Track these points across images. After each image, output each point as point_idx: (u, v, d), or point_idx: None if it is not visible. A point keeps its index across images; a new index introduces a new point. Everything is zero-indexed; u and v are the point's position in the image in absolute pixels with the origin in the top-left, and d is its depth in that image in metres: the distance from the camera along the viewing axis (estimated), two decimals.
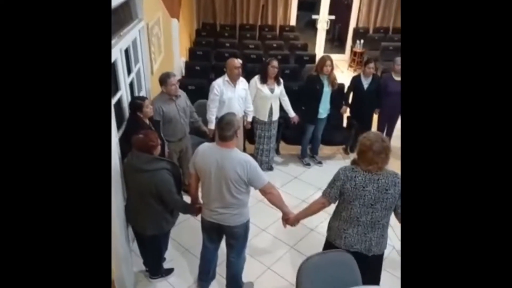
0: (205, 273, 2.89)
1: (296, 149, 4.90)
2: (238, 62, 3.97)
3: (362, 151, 2.17)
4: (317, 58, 5.08)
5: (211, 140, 3.77)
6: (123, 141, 2.85)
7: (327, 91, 4.32)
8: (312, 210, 2.48)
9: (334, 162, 4.90)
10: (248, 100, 4.15)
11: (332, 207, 2.43)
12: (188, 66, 5.88)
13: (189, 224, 3.45)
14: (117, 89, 3.09)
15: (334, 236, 2.36)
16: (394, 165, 2.26)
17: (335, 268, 2.22)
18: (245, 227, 2.63)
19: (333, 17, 8.61)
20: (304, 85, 4.58)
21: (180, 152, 3.75)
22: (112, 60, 2.78)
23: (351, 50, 8.59)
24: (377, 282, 2.44)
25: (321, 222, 3.62)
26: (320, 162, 4.84)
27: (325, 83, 4.29)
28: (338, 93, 4.66)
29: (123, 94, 3.23)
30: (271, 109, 4.26)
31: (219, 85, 3.95)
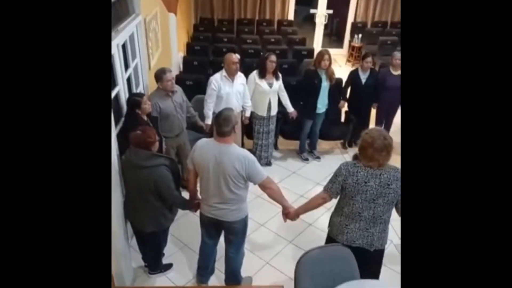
0: (204, 268, 2.90)
1: (294, 144, 4.90)
2: (236, 57, 3.96)
3: (363, 147, 2.17)
4: (315, 52, 5.07)
5: (209, 135, 3.77)
6: (121, 137, 2.84)
7: (325, 85, 4.31)
8: (312, 205, 2.47)
9: (332, 157, 4.91)
10: (246, 95, 4.14)
11: (330, 202, 2.43)
12: (186, 61, 5.86)
13: (188, 220, 3.46)
14: (114, 84, 3.08)
15: (336, 232, 2.36)
16: (393, 160, 2.26)
17: (333, 262, 2.23)
18: (244, 222, 2.64)
19: (331, 11, 8.58)
20: (302, 80, 4.56)
21: (178, 147, 3.74)
22: None
23: (349, 45, 8.58)
24: (377, 276, 2.46)
25: (319, 216, 3.64)
26: (318, 157, 4.85)
27: (323, 77, 4.28)
28: (336, 88, 4.65)
29: (121, 90, 3.22)
30: (269, 104, 4.25)
31: (217, 80, 3.94)
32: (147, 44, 3.94)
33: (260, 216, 3.68)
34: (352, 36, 8.41)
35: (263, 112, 4.28)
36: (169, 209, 2.70)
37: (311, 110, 4.41)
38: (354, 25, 8.60)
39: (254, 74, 4.19)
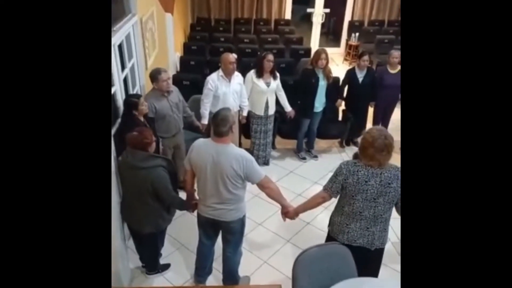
0: (202, 268, 2.90)
1: (292, 143, 4.91)
2: (233, 57, 3.95)
3: (364, 147, 2.17)
4: (313, 51, 5.07)
5: (206, 135, 3.77)
6: (117, 138, 2.84)
7: (322, 84, 4.31)
8: (312, 204, 2.47)
9: (330, 156, 4.92)
10: (243, 95, 4.14)
11: (329, 201, 2.43)
12: (183, 61, 5.85)
13: (185, 220, 3.45)
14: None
15: (337, 231, 2.36)
16: (392, 158, 2.25)
17: (331, 261, 2.24)
18: (242, 222, 2.64)
19: (328, 10, 8.58)
20: (299, 79, 4.56)
21: (175, 147, 3.74)
22: None
23: (346, 43, 8.58)
24: (376, 275, 2.46)
25: (317, 215, 3.65)
26: (316, 156, 4.85)
27: (321, 76, 4.28)
28: (334, 87, 4.66)
29: (117, 90, 3.21)
30: (267, 103, 4.25)
31: (214, 80, 3.93)
32: (144, 44, 3.93)
33: (258, 215, 3.68)
34: (349, 35, 8.41)
35: (260, 112, 4.27)
36: (166, 210, 2.70)
37: (309, 109, 4.42)
38: (351, 23, 8.60)
39: (252, 73, 4.19)
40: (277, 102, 4.40)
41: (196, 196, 2.67)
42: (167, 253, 3.23)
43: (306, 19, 8.87)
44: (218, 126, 2.37)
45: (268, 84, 4.17)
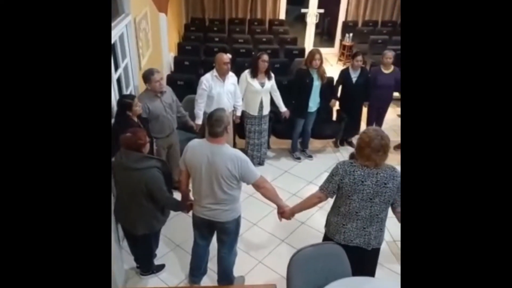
0: (197, 269, 2.89)
1: (286, 143, 4.91)
2: (227, 57, 3.95)
3: (360, 147, 2.18)
4: (307, 52, 5.08)
5: (200, 135, 3.76)
6: (111, 139, 2.82)
7: (316, 85, 4.33)
8: (308, 204, 2.47)
9: (324, 156, 4.93)
10: (237, 95, 4.14)
11: (324, 201, 2.44)
12: (177, 61, 5.83)
13: (180, 220, 3.44)
14: None
15: (333, 232, 2.36)
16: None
17: (326, 260, 2.24)
18: (237, 222, 2.64)
19: (322, 10, 8.61)
20: (293, 79, 4.57)
21: (169, 148, 3.73)
22: None
23: (340, 44, 8.61)
24: (373, 274, 2.47)
25: (312, 214, 3.66)
26: (310, 156, 4.86)
27: (315, 77, 4.29)
28: (328, 87, 4.67)
29: (111, 90, 3.19)
30: (261, 103, 4.25)
31: (208, 80, 3.93)
32: (137, 44, 3.91)
33: (253, 215, 3.68)
34: (343, 35, 8.44)
35: (254, 112, 4.27)
36: (161, 211, 2.69)
37: (303, 109, 4.42)
38: (345, 24, 8.63)
39: (246, 73, 4.19)
40: (272, 102, 4.40)
41: (191, 197, 2.66)
42: (161, 254, 3.21)
43: (300, 19, 8.89)
44: (213, 126, 2.36)
45: (262, 84, 4.17)
